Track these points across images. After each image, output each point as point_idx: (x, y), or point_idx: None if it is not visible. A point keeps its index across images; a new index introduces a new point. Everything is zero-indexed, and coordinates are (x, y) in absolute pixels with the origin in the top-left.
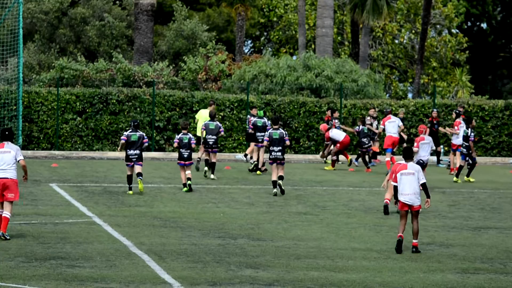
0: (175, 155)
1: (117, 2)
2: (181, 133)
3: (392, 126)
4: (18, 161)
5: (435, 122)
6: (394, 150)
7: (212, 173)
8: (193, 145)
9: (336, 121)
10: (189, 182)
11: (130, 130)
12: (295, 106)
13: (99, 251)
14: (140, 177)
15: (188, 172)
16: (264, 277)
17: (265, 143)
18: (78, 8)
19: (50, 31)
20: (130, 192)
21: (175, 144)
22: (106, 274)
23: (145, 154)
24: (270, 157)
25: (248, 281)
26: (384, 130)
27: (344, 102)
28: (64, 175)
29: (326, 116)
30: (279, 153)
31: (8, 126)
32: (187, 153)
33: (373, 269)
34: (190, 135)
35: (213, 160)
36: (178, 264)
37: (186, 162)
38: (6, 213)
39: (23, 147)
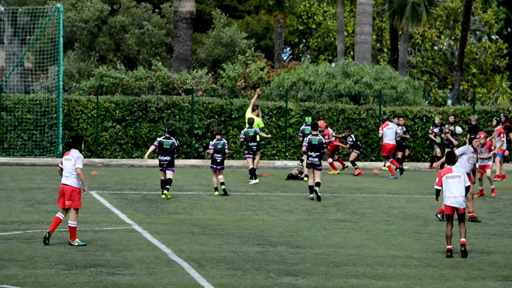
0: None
1: (157, 10)
2: (215, 139)
3: (391, 133)
4: (76, 169)
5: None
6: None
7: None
8: (226, 150)
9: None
10: (223, 186)
11: (164, 137)
12: (334, 113)
13: (139, 258)
14: (168, 187)
15: (220, 176)
16: (304, 285)
17: (303, 148)
18: (117, 16)
19: (90, 39)
20: (163, 196)
21: (210, 151)
22: (146, 281)
23: (184, 162)
24: (307, 161)
25: None
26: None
27: (383, 109)
28: (104, 182)
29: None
30: (316, 159)
31: (48, 134)
32: (220, 158)
33: (413, 276)
34: (224, 141)
35: (252, 166)
36: (218, 271)
37: (218, 167)
38: (71, 222)
39: (63, 155)
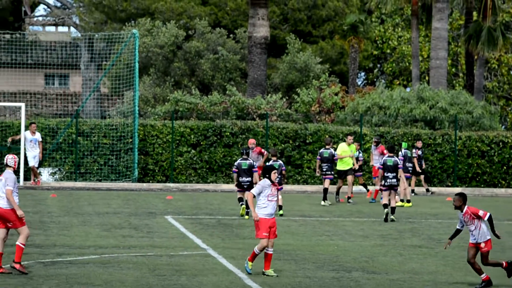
0: (289, 187)
1: (231, 35)
2: (272, 161)
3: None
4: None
5: None
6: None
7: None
8: (283, 172)
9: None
10: (281, 211)
11: (241, 158)
12: (409, 138)
13: (214, 283)
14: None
15: (279, 197)
16: None
17: (380, 171)
18: (192, 41)
19: (165, 64)
20: (246, 217)
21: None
22: None
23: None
24: (385, 183)
25: None
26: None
27: (459, 134)
28: (179, 207)
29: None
30: (394, 180)
31: (124, 159)
32: (277, 179)
33: None
34: (280, 162)
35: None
36: None
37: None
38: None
39: (139, 180)
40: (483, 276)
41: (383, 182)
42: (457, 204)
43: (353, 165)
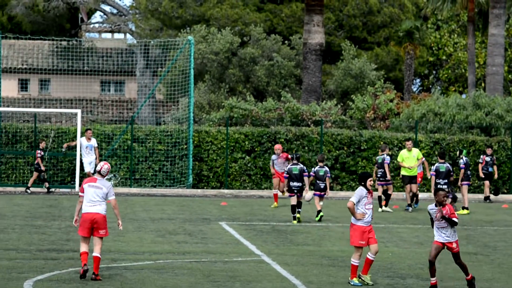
0: (343, 193)
1: (286, 42)
2: (318, 166)
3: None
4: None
5: None
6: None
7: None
8: (327, 178)
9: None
10: (321, 214)
11: (291, 164)
12: (465, 145)
13: None
14: (294, 215)
15: (321, 203)
16: None
17: (432, 177)
18: (247, 48)
19: (220, 71)
20: (294, 221)
21: (311, 178)
22: None
23: (312, 193)
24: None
25: None
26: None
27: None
28: (233, 213)
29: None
30: (445, 186)
31: (179, 165)
32: (323, 184)
33: None
34: (326, 168)
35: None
36: None
37: (322, 193)
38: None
39: (193, 186)
40: (433, 280)
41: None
42: (441, 199)
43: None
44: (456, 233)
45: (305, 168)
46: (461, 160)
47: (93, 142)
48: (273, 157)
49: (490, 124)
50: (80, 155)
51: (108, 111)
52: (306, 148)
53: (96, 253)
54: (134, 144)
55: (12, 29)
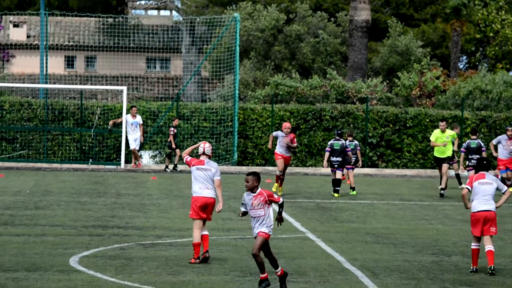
0: (388, 171)
1: (332, 19)
2: (348, 140)
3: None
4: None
5: None
6: None
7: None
8: (358, 152)
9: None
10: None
11: (334, 139)
12: (511, 123)
13: (313, 266)
14: (338, 188)
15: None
16: None
17: (462, 154)
18: (293, 25)
19: (265, 48)
20: (336, 194)
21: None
22: None
23: (357, 171)
24: (469, 164)
25: None
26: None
27: None
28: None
29: None
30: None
31: (224, 142)
32: (354, 158)
33: None
34: (356, 142)
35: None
36: (392, 280)
37: (352, 166)
38: None
39: (238, 163)
40: (264, 275)
41: (466, 163)
42: (251, 185)
43: (453, 152)
44: (273, 220)
45: (347, 143)
46: None
47: (138, 119)
48: (279, 134)
49: None
50: (126, 132)
51: (154, 88)
52: (352, 125)
53: (205, 232)
54: (180, 121)
55: (59, 6)
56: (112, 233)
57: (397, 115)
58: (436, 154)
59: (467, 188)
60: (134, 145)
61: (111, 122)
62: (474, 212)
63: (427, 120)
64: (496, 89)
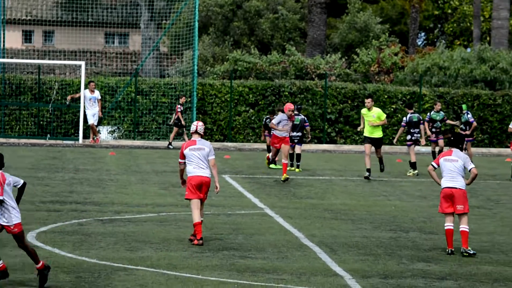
0: (346, 147)
1: None
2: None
3: None
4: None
5: None
6: None
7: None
8: (307, 128)
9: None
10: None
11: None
12: (469, 99)
13: (271, 242)
14: (298, 163)
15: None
16: (436, 271)
17: (401, 128)
18: (252, 1)
19: (224, 24)
20: (297, 169)
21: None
22: (278, 265)
23: (316, 146)
24: (412, 138)
25: (420, 275)
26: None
27: None
28: (237, 166)
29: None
30: (418, 135)
31: (183, 118)
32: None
33: None
34: (303, 116)
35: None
36: (350, 256)
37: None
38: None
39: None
40: (39, 265)
41: (408, 137)
42: None
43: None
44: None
45: (305, 118)
46: (469, 115)
47: (97, 94)
48: (282, 117)
49: (495, 78)
50: (84, 107)
51: (112, 64)
52: (310, 101)
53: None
54: (138, 96)
55: None
56: (70, 208)
57: (356, 91)
58: (365, 133)
59: (431, 165)
60: (92, 120)
61: (69, 97)
62: (441, 189)
63: (386, 96)
64: (454, 65)
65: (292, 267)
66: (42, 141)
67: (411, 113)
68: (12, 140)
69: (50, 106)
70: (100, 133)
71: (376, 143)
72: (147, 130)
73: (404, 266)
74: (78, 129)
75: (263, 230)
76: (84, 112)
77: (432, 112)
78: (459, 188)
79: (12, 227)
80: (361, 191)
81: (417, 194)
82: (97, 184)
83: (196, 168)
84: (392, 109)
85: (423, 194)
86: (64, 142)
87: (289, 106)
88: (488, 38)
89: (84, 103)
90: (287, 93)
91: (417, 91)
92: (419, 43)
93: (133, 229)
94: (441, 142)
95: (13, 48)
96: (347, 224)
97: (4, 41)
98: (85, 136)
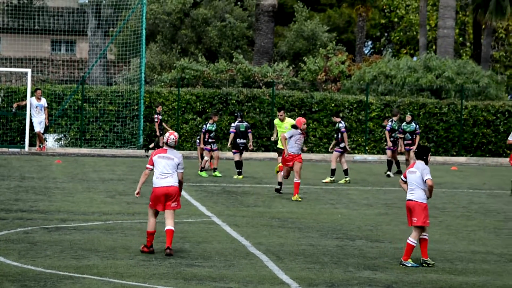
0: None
1: (239, 3)
2: (237, 121)
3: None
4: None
5: None
6: None
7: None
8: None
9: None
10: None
11: (238, 121)
12: (415, 108)
13: (218, 250)
14: (239, 170)
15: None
16: (382, 279)
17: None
18: (200, 9)
19: (172, 31)
20: (240, 177)
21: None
22: (224, 273)
23: (263, 155)
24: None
25: (366, 283)
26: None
27: (465, 103)
28: (184, 174)
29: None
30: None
31: (130, 126)
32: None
33: (493, 272)
34: (247, 123)
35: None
36: (296, 264)
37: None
38: None
39: (144, 146)
40: None
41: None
42: None
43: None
44: None
45: (249, 125)
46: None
47: (43, 102)
48: (294, 132)
49: (441, 86)
50: (30, 114)
51: (59, 71)
52: (258, 109)
53: (169, 226)
54: (84, 104)
55: None
56: (16, 216)
57: (303, 100)
58: (279, 144)
59: (401, 179)
60: (38, 128)
61: (15, 105)
62: None
63: (333, 104)
64: (400, 74)
65: (239, 275)
66: None
67: (339, 122)
68: None
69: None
70: (46, 141)
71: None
72: (94, 138)
73: (350, 274)
74: (24, 137)
75: (210, 238)
76: (31, 119)
77: (403, 124)
78: (415, 201)
79: None
80: (307, 199)
81: (363, 202)
82: (43, 192)
83: (159, 178)
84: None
85: (369, 202)
86: (10, 149)
87: (303, 120)
88: (434, 47)
89: (30, 110)
90: (234, 101)
91: (364, 99)
92: (366, 51)
93: (79, 237)
94: (412, 153)
95: None
96: (294, 232)
97: None
98: (31, 144)
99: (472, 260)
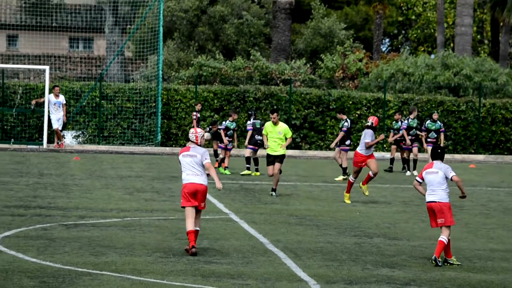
0: (311, 153)
1: (256, 0)
2: (228, 121)
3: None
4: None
5: None
6: None
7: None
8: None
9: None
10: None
11: (254, 118)
12: (433, 105)
13: (236, 247)
14: (257, 167)
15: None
16: (400, 276)
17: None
18: (217, 6)
19: (189, 29)
20: (257, 173)
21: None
22: (242, 270)
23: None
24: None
25: (384, 280)
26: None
27: (483, 101)
28: None
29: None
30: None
31: (147, 123)
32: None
33: None
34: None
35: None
36: (314, 262)
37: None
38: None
39: (162, 144)
40: None
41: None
42: None
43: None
44: None
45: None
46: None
47: (61, 99)
48: (372, 132)
49: (459, 84)
50: (48, 112)
51: (77, 68)
52: (275, 107)
53: (196, 227)
54: (102, 101)
55: None
56: (34, 213)
57: (320, 97)
58: (268, 151)
59: (416, 180)
60: (57, 125)
61: (33, 102)
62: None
63: (350, 102)
64: (418, 72)
65: (257, 273)
66: (6, 146)
67: (345, 120)
68: None
69: (14, 111)
70: (64, 138)
71: (278, 159)
72: (112, 135)
73: (368, 272)
74: (43, 134)
75: (228, 236)
76: (49, 116)
77: (428, 122)
78: (438, 202)
79: None
80: (325, 197)
81: (381, 200)
82: (61, 189)
83: (190, 175)
84: (356, 115)
85: (387, 200)
86: (29, 146)
87: (377, 119)
88: (451, 45)
89: (48, 107)
90: (252, 98)
91: (382, 97)
92: (384, 49)
93: (98, 234)
94: (415, 150)
95: None
96: (312, 229)
97: None
98: (50, 141)
99: (490, 258)
